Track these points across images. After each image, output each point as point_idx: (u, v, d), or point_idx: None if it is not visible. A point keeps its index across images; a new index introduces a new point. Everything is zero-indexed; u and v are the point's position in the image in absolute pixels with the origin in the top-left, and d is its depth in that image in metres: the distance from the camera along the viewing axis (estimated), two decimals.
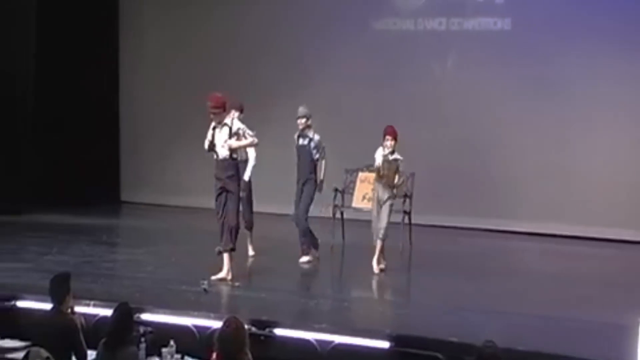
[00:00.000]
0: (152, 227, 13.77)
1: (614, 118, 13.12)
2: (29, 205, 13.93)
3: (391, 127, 10.42)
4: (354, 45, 14.28)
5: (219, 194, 9.67)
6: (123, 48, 15.88)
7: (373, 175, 11.69)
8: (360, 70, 14.23)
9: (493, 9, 13.77)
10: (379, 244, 10.28)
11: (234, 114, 10.34)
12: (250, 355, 6.19)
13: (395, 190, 10.46)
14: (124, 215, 15.24)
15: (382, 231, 10.27)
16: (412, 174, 11.83)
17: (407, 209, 11.73)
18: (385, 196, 10.35)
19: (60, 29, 15.08)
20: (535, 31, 13.45)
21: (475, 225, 13.45)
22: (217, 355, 6.20)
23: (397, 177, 10.40)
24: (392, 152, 10.34)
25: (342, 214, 11.82)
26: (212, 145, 9.67)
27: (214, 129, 9.69)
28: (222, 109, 9.64)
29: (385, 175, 10.34)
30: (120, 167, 15.95)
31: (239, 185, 9.77)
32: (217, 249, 9.58)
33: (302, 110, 10.86)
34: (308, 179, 10.75)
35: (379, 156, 10.35)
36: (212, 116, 9.63)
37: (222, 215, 9.65)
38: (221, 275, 9.67)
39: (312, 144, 10.73)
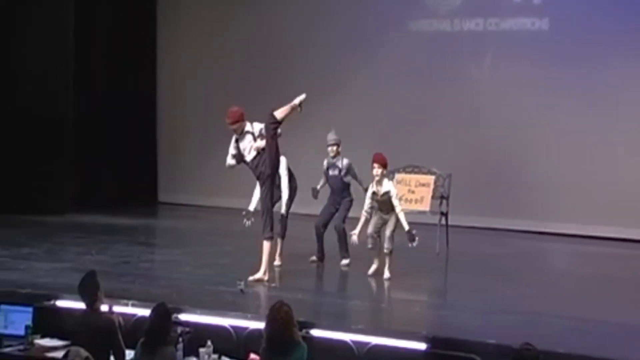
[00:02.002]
0: (189, 227, 13.84)
1: None
2: (69, 206, 14.08)
3: (379, 154, 10.12)
4: (391, 47, 14.26)
5: (268, 192, 9.72)
6: (160, 50, 15.99)
7: (410, 176, 11.71)
8: (397, 72, 14.21)
9: (530, 9, 13.68)
10: (387, 258, 10.10)
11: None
12: (298, 330, 6.44)
13: (397, 217, 10.03)
14: (161, 216, 15.34)
15: (387, 242, 10.05)
16: (449, 175, 11.80)
17: (443, 210, 11.70)
18: (389, 218, 10.10)
19: (98, 31, 15.23)
20: (573, 31, 13.35)
21: (511, 227, 13.37)
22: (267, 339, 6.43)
23: (394, 207, 10.02)
24: (380, 182, 10.06)
25: None
26: (241, 157, 9.77)
27: (237, 140, 9.80)
28: (241, 120, 9.75)
29: (380, 209, 10.12)
30: (158, 168, 16.06)
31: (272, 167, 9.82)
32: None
33: (333, 137, 10.83)
34: (343, 199, 10.80)
35: (368, 195, 10.15)
36: (233, 132, 9.79)
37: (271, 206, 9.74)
38: (258, 275, 9.70)
39: (343, 172, 10.74)
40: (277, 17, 15.07)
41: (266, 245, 9.73)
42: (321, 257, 10.86)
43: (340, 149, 10.83)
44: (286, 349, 6.54)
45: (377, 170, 10.04)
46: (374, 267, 10.25)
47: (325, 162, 10.88)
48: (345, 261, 10.71)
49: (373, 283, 10.09)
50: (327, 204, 10.92)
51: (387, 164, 10.16)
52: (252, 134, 9.77)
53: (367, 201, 10.22)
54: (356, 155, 10.95)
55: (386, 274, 10.13)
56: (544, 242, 13.02)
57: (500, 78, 13.82)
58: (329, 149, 10.82)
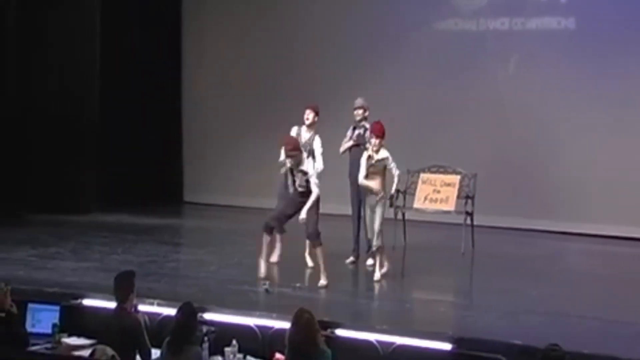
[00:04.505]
0: (214, 227, 13.87)
1: None
2: (94, 206, 14.16)
3: (377, 123, 10.04)
4: (416, 47, 14.23)
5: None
6: (186, 49, 16.03)
7: (435, 176, 11.70)
8: (422, 71, 14.18)
9: (557, 8, 13.60)
10: (377, 257, 9.96)
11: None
12: (321, 336, 6.45)
13: (383, 193, 9.89)
14: (187, 216, 15.38)
15: (374, 241, 9.84)
16: (475, 175, 11.77)
17: (469, 210, 11.66)
18: (374, 200, 9.89)
19: (124, 30, 15.31)
20: (599, 30, 13.26)
21: (537, 227, 13.29)
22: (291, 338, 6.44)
23: (385, 177, 9.91)
24: (377, 152, 9.91)
25: (403, 215, 11.78)
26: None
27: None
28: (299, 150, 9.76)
29: (371, 177, 9.89)
30: (184, 168, 16.11)
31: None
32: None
33: (360, 101, 10.82)
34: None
35: (363, 160, 9.98)
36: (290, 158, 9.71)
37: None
38: (262, 271, 9.72)
39: (368, 133, 10.57)
40: (302, 15, 15.06)
41: (318, 250, 9.70)
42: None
43: (367, 115, 10.71)
44: (309, 356, 6.53)
45: (375, 140, 9.91)
46: (384, 269, 10.16)
47: (349, 129, 10.80)
48: (370, 261, 10.70)
49: (397, 283, 10.07)
50: (352, 192, 10.73)
51: (385, 133, 9.96)
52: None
53: (363, 167, 9.99)
54: None
55: (376, 276, 9.94)
56: (569, 243, 12.95)
57: (525, 77, 13.75)
58: (355, 112, 10.76)
